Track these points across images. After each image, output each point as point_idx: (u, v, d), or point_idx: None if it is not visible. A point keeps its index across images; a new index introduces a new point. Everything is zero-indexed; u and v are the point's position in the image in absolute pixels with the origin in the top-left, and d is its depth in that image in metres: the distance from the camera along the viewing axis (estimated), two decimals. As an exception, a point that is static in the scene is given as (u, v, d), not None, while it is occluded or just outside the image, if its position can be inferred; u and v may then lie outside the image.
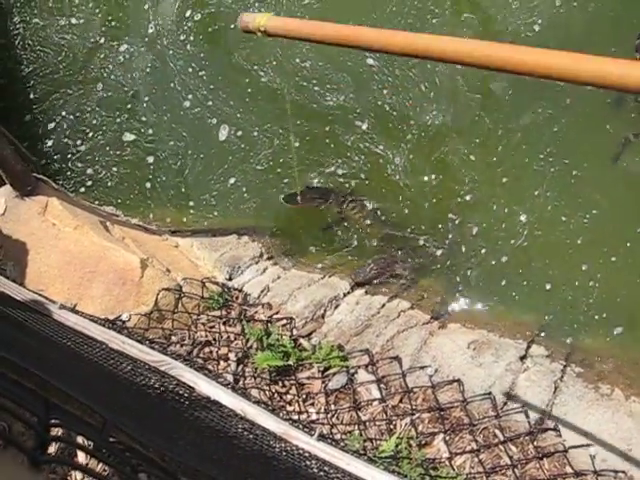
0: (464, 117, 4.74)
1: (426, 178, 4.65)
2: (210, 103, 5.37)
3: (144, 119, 5.50)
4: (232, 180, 5.14)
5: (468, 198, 4.54)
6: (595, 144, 4.35)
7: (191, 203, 5.17)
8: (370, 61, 5.09)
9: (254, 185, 5.11)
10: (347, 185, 4.84)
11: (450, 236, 4.48)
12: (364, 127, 4.92)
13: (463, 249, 4.44)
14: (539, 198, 4.40)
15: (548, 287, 4.20)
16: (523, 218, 4.38)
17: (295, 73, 5.26)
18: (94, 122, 5.63)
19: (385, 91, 4.97)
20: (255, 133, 5.18)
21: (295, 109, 5.13)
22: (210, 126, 5.23)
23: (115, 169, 5.38)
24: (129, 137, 5.45)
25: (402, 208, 4.67)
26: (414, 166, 4.72)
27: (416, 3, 5.04)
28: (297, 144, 5.04)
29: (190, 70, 5.53)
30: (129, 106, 5.59)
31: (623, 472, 3.19)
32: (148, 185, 5.28)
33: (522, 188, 4.46)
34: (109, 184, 5.36)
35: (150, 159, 5.36)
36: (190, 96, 5.44)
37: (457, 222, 4.51)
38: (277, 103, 5.21)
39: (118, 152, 5.43)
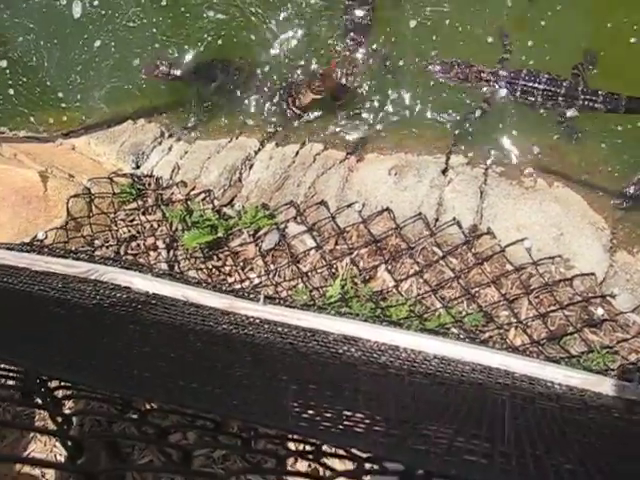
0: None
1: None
2: (55, -14, 4.86)
3: (-22, 26, 4.96)
4: (97, 43, 4.74)
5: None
6: None
7: (60, 95, 4.76)
8: None
9: (124, 46, 4.74)
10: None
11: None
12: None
13: (366, 76, 4.29)
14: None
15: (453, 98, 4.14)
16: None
17: None
18: None
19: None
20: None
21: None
22: (60, 9, 4.75)
23: (-35, 87, 4.88)
24: (-33, 51, 4.92)
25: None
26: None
27: None
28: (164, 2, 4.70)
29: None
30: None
31: (559, 256, 3.31)
32: (11, 92, 4.83)
33: None
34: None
35: (3, 64, 4.87)
36: (29, -13, 4.89)
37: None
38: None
39: (-39, 70, 4.91)
